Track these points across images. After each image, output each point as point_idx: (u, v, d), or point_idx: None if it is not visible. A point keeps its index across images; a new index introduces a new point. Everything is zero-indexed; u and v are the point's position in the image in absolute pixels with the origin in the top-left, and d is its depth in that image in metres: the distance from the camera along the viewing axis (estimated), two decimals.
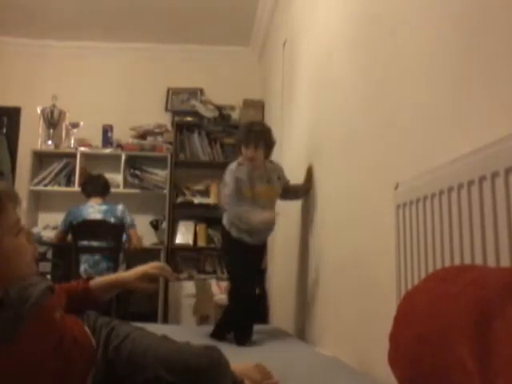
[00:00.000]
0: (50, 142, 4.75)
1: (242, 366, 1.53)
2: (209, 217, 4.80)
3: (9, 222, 1.14)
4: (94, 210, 3.84)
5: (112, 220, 3.81)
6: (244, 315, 2.67)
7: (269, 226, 2.75)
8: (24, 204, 4.60)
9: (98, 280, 1.47)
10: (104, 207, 3.87)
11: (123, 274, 1.53)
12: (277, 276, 3.78)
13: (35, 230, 4.51)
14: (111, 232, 3.75)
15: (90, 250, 3.75)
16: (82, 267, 3.71)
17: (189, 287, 4.32)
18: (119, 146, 4.81)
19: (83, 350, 1.25)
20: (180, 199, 4.76)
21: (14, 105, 5.02)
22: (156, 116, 4.99)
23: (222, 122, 4.84)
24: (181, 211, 4.79)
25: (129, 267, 3.92)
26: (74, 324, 1.30)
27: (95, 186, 3.99)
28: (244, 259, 2.70)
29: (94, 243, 3.75)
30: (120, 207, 3.91)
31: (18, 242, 1.15)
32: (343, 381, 1.66)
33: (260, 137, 2.67)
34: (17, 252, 1.15)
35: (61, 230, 3.97)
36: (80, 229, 3.71)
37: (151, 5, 4.42)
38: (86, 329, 1.34)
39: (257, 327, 2.76)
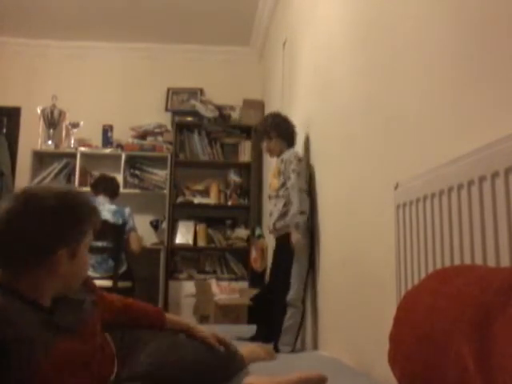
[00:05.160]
0: (50, 142, 4.75)
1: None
2: (209, 217, 4.81)
3: (89, 238, 1.20)
4: (104, 208, 3.82)
5: (120, 221, 3.81)
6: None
7: None
8: None
9: (172, 318, 1.56)
10: (114, 207, 3.86)
11: (197, 328, 1.57)
12: None
13: None
14: (113, 232, 3.74)
15: (92, 250, 3.74)
16: None
17: (189, 287, 4.32)
18: (119, 146, 4.81)
19: (107, 364, 1.27)
20: (180, 199, 4.76)
21: (14, 105, 5.01)
22: (156, 116, 4.99)
23: (222, 122, 4.84)
24: (181, 211, 4.80)
25: (129, 268, 3.92)
26: (103, 338, 1.32)
27: (107, 186, 3.99)
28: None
29: (97, 243, 3.74)
30: (127, 210, 3.92)
31: (86, 259, 1.22)
32: (343, 381, 1.65)
33: (271, 128, 2.72)
34: (84, 268, 1.23)
35: None
36: None
37: (151, 5, 4.42)
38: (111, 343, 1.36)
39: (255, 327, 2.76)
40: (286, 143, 2.74)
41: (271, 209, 2.70)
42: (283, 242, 2.57)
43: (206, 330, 1.55)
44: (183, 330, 1.53)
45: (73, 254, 1.13)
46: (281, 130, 2.75)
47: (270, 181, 2.77)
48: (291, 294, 2.47)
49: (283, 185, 2.62)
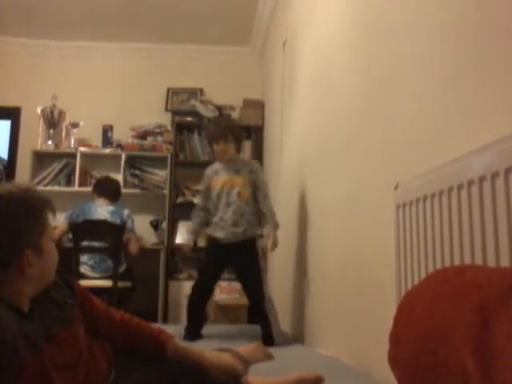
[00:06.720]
0: (50, 142, 4.74)
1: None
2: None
3: (51, 229, 1.22)
4: (102, 209, 3.84)
5: (118, 221, 3.81)
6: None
7: None
8: None
9: (181, 345, 1.43)
10: (111, 208, 3.88)
11: (208, 357, 1.43)
12: (275, 277, 3.78)
13: None
14: (112, 232, 3.74)
15: (91, 250, 3.75)
16: (82, 269, 3.70)
17: (189, 287, 4.31)
18: (119, 145, 4.81)
19: (100, 366, 1.27)
20: (180, 199, 4.76)
21: (14, 105, 5.01)
22: (156, 116, 4.99)
23: None
24: (181, 211, 4.79)
25: (129, 268, 3.92)
26: (95, 344, 1.31)
27: (107, 188, 4.00)
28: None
29: (95, 243, 3.74)
30: (126, 211, 3.94)
31: (53, 249, 1.23)
32: (343, 381, 1.65)
33: (227, 131, 2.83)
34: (53, 259, 1.23)
35: (63, 226, 3.80)
36: (81, 228, 3.69)
37: (151, 5, 4.42)
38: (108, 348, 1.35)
39: (256, 328, 2.77)
40: (236, 148, 2.88)
41: (232, 216, 2.79)
42: (249, 244, 2.78)
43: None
44: (195, 361, 1.37)
45: (39, 250, 1.15)
46: (236, 134, 2.89)
47: (239, 189, 2.81)
48: (267, 288, 2.76)
49: (253, 194, 2.81)
